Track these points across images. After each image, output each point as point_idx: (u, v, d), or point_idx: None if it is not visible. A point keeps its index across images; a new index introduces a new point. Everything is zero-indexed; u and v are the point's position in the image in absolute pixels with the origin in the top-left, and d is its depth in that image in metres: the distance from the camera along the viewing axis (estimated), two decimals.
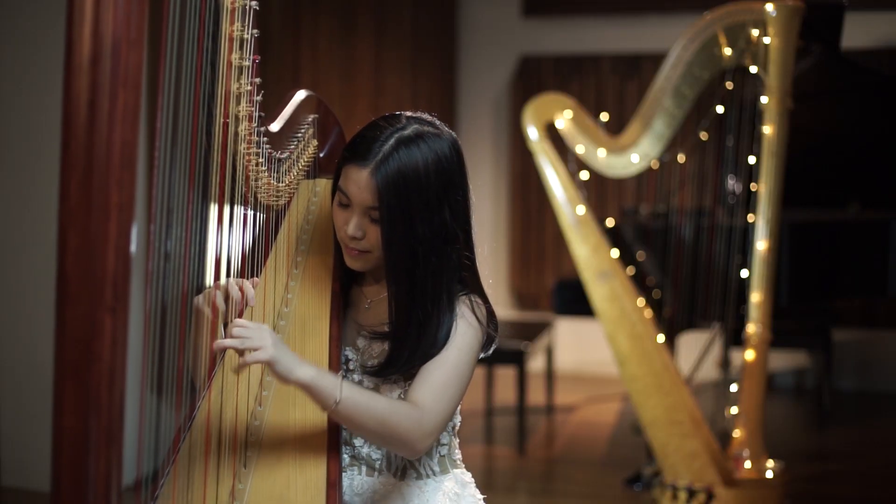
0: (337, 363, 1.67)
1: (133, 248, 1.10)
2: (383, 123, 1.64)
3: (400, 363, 1.64)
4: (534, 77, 6.52)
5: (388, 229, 1.60)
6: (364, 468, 1.71)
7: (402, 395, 1.66)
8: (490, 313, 1.70)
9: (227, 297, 1.61)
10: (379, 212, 1.60)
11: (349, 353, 1.73)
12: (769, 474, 3.49)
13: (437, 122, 1.68)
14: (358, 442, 1.70)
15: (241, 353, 1.48)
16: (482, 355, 1.71)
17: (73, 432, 1.10)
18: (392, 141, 1.60)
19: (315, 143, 1.85)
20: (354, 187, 1.61)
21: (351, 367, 1.72)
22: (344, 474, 1.70)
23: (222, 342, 1.46)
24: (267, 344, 1.46)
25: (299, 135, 1.79)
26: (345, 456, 1.70)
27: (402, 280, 1.62)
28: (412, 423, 1.55)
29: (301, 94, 1.80)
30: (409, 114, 1.67)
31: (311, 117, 1.83)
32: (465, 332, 1.64)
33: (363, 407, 1.52)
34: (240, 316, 1.70)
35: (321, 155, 1.87)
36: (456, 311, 1.66)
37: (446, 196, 1.63)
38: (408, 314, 1.63)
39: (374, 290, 1.76)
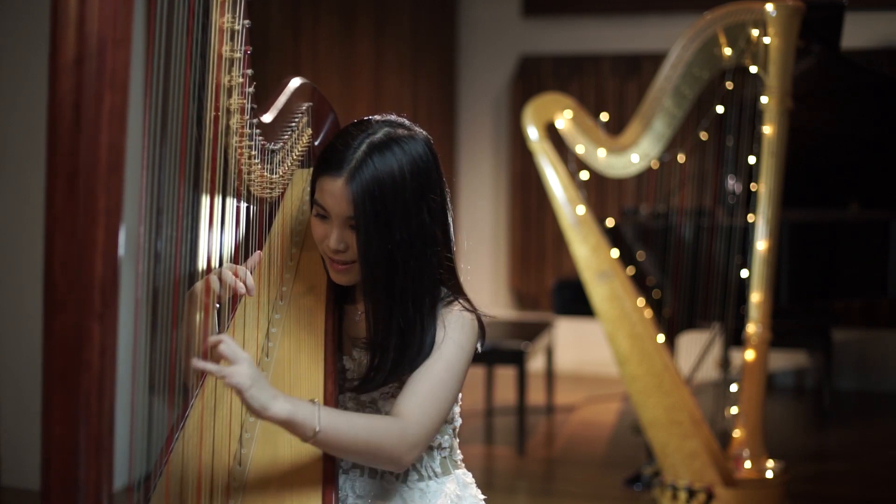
0: (332, 356, 1.65)
1: (122, 251, 1.08)
2: (353, 131, 1.62)
3: (384, 373, 1.60)
4: (534, 77, 6.52)
5: (364, 237, 1.56)
6: (366, 471, 1.70)
7: (398, 386, 1.64)
8: (477, 317, 1.68)
9: (221, 282, 1.57)
10: (355, 220, 1.57)
11: (346, 362, 1.71)
12: (769, 474, 3.49)
13: (408, 123, 1.65)
14: None
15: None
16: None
17: (63, 441, 1.08)
18: (364, 147, 1.57)
19: (309, 131, 1.82)
20: (331, 199, 1.58)
21: (349, 376, 1.71)
22: (345, 477, 1.69)
23: (203, 365, 1.41)
24: (244, 380, 1.41)
25: (293, 124, 1.75)
26: None
27: (380, 287, 1.59)
28: (395, 437, 1.53)
29: (295, 83, 1.76)
30: (378, 118, 1.65)
31: (305, 105, 1.79)
32: (452, 339, 1.62)
33: (343, 430, 1.49)
34: (234, 303, 1.69)
35: (316, 143, 1.84)
36: (442, 316, 1.63)
37: (423, 197, 1.60)
38: (388, 322, 1.60)
39: None
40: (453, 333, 1.62)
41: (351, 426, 1.51)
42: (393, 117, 1.66)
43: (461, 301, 1.67)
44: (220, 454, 1.57)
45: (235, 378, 1.41)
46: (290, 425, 1.46)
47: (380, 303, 1.60)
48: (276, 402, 1.44)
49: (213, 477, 1.54)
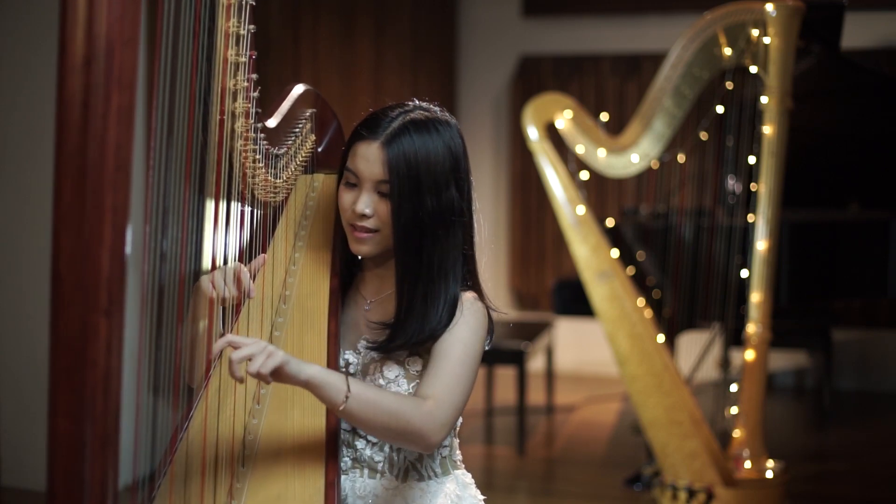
0: (335, 359, 1.66)
1: (128, 249, 1.09)
2: (391, 106, 1.68)
3: (406, 337, 1.63)
4: (534, 77, 6.52)
5: (396, 200, 1.61)
6: (366, 471, 1.69)
7: (403, 374, 1.66)
8: (487, 311, 1.71)
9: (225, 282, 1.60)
10: (389, 183, 1.61)
11: (350, 356, 1.72)
12: (769, 474, 3.49)
13: (441, 111, 1.71)
14: (360, 444, 1.69)
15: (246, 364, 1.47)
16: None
17: (68, 438, 1.08)
18: (401, 119, 1.64)
19: (313, 137, 1.84)
20: (364, 162, 1.63)
21: (352, 370, 1.71)
22: (346, 477, 1.69)
23: (235, 358, 1.45)
24: (271, 350, 1.46)
25: (297, 130, 1.78)
26: (346, 459, 1.69)
27: (410, 251, 1.63)
28: (425, 414, 1.55)
29: (299, 89, 1.79)
30: (413, 101, 1.71)
31: (308, 112, 1.81)
32: (467, 323, 1.64)
33: (373, 403, 1.52)
34: (238, 306, 1.70)
35: (319, 150, 1.86)
36: (460, 300, 1.66)
37: (454, 175, 1.65)
38: (414, 287, 1.63)
39: (374, 290, 1.75)
40: (467, 318, 1.65)
41: (380, 399, 1.54)
42: (426, 104, 1.71)
43: (475, 291, 1.70)
44: (223, 454, 1.57)
45: (263, 357, 1.45)
46: (321, 388, 1.50)
47: (409, 266, 1.63)
48: (307, 365, 1.50)
49: (217, 477, 1.55)
